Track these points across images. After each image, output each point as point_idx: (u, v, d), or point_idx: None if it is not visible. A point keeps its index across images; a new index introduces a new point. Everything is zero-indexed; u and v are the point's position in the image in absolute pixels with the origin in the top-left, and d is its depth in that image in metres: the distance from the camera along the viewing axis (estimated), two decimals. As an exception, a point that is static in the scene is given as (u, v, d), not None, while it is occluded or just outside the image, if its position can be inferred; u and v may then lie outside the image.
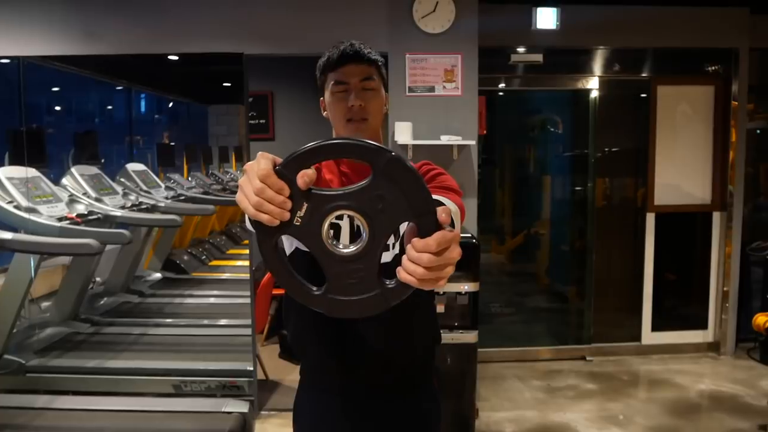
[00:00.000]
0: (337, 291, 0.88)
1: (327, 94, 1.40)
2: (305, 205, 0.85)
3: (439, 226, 0.83)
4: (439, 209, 0.83)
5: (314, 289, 0.89)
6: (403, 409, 1.44)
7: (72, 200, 4.18)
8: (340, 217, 1.14)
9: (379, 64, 1.41)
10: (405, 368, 1.45)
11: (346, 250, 0.86)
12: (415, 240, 0.82)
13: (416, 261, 0.82)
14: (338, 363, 1.41)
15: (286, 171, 0.85)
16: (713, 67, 4.61)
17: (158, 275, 5.69)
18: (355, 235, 1.35)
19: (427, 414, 1.48)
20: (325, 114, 1.43)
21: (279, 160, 0.86)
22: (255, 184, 0.83)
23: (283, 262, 0.90)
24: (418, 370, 1.48)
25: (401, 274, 0.84)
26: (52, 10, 3.66)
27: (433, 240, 0.81)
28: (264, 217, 0.85)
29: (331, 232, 0.89)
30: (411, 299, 1.43)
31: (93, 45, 3.69)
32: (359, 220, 0.85)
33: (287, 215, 0.85)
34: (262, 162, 0.84)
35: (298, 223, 0.85)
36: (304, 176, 0.84)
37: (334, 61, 1.38)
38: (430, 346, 1.51)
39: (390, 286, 0.87)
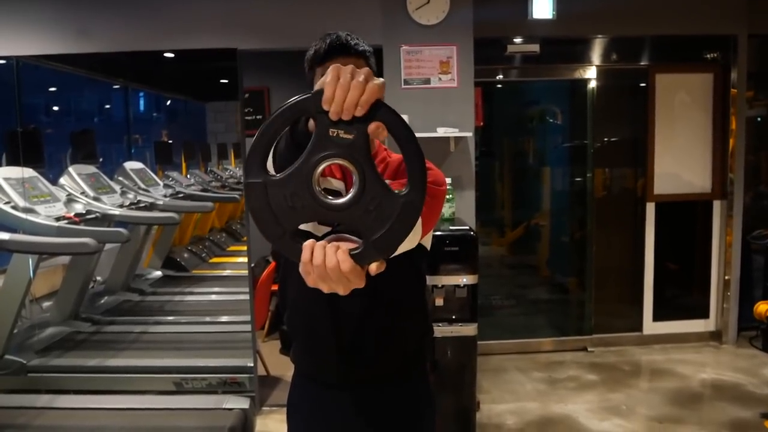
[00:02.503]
0: (372, 232, 0.89)
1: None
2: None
3: None
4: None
5: (355, 248, 0.91)
6: (396, 401, 1.45)
7: (70, 200, 4.18)
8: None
9: (368, 54, 1.39)
10: (396, 359, 1.45)
11: (350, 195, 0.88)
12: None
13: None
14: (331, 355, 1.42)
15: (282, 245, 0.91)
16: (712, 55, 4.58)
17: (158, 273, 5.69)
18: None
19: (420, 405, 1.49)
20: None
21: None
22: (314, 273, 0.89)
23: None
24: (409, 361, 1.49)
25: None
26: (45, 9, 3.64)
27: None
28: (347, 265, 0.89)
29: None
30: (407, 293, 1.43)
31: (86, 43, 3.68)
32: (343, 164, 0.87)
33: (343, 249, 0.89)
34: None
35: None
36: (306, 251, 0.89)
37: (321, 55, 1.36)
38: (421, 338, 1.52)
39: (403, 192, 0.89)
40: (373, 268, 0.90)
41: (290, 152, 0.94)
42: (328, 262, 0.87)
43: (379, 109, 0.86)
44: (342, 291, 0.91)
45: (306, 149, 0.87)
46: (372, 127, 0.86)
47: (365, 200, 0.88)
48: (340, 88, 0.83)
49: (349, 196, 0.88)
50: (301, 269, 0.90)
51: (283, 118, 0.88)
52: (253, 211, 0.89)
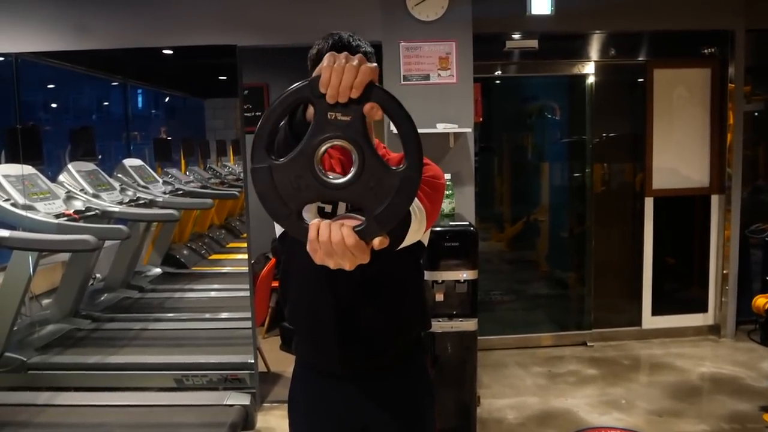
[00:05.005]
0: (374, 207, 0.94)
1: None
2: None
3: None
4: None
5: (359, 224, 0.96)
6: (396, 391, 1.47)
7: (69, 197, 4.17)
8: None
9: (369, 56, 1.40)
10: (396, 349, 1.48)
11: (351, 173, 0.93)
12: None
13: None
14: (332, 346, 1.44)
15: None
16: (710, 50, 4.59)
17: (158, 270, 5.69)
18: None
19: (420, 395, 1.51)
20: None
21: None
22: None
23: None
24: (409, 351, 1.52)
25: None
26: (44, 6, 3.64)
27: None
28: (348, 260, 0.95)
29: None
30: (405, 284, 1.46)
31: (86, 40, 3.68)
32: (345, 146, 0.92)
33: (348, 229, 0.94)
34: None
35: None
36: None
37: (323, 55, 1.37)
38: (420, 328, 1.55)
39: (401, 168, 0.94)
40: (377, 243, 0.95)
41: (289, 142, 0.99)
42: (334, 237, 0.92)
43: (373, 91, 0.92)
44: (348, 266, 0.96)
45: (307, 134, 0.92)
46: (367, 107, 0.91)
47: (365, 178, 0.92)
48: (335, 72, 0.89)
49: (350, 174, 0.93)
50: (308, 247, 0.95)
51: (285, 105, 0.94)
52: (260, 194, 0.95)
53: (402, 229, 1.18)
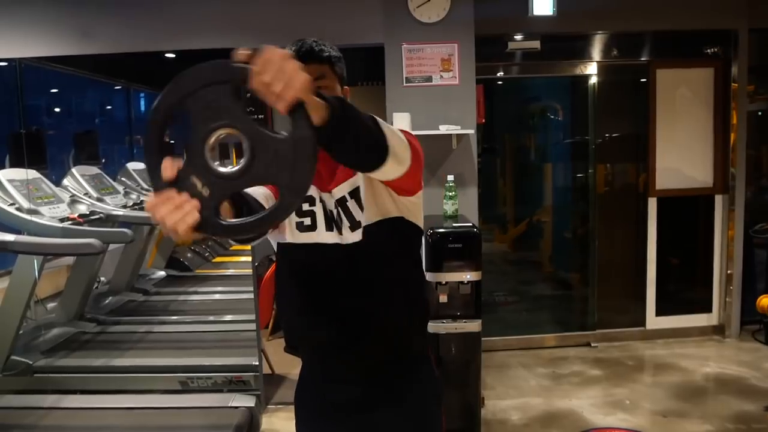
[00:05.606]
0: (282, 178, 0.94)
1: None
2: (194, 179, 0.92)
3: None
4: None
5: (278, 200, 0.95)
6: (400, 394, 1.46)
7: (73, 201, 4.19)
8: (312, 203, 1.31)
9: (334, 60, 1.40)
10: (396, 351, 1.46)
11: (245, 156, 0.92)
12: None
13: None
14: (331, 351, 1.44)
15: (160, 182, 0.92)
16: (712, 49, 4.58)
17: (162, 273, 5.71)
18: (329, 222, 1.39)
19: (425, 397, 1.50)
20: None
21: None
22: (155, 214, 0.91)
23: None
24: (411, 351, 1.50)
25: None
26: (47, 11, 3.66)
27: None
28: (184, 225, 0.91)
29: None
30: (400, 277, 1.46)
31: (89, 45, 3.70)
32: (239, 136, 0.92)
33: (196, 203, 0.91)
34: (148, 198, 0.94)
35: (207, 194, 0.92)
36: (166, 171, 0.92)
37: None
38: (421, 328, 1.54)
39: (290, 132, 0.93)
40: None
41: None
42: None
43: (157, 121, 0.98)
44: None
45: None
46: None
47: (262, 156, 0.91)
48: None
49: (245, 157, 0.92)
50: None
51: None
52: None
53: (379, 134, 1.15)
